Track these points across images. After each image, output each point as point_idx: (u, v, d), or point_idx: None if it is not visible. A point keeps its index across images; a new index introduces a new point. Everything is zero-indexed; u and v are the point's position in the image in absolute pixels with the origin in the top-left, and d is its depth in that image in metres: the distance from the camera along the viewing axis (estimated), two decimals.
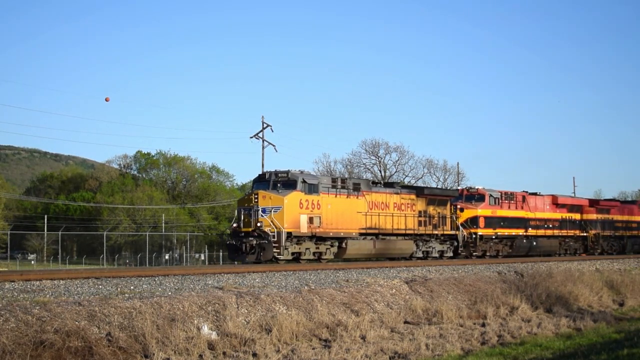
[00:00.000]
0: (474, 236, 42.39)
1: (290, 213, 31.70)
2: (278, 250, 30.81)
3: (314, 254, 33.16)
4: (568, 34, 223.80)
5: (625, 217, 56.76)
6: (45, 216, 71.36)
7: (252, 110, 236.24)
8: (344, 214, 34.33)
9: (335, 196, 34.08)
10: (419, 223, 39.17)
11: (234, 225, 32.39)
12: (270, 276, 24.14)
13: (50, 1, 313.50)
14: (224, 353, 16.36)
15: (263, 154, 63.55)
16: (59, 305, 15.86)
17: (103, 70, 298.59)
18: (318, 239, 33.24)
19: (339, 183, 34.75)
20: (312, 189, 32.87)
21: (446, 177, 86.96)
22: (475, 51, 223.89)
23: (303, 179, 32.58)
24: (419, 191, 40.33)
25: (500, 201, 44.40)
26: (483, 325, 22.26)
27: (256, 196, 31.83)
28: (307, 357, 16.39)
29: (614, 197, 70.51)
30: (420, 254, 38.91)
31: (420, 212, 39.40)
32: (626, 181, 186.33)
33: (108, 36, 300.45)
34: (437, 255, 40.02)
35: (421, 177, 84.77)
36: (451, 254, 41.12)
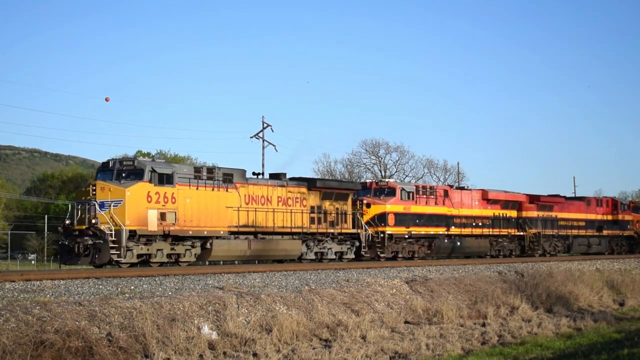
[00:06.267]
0: (382, 235, 37.63)
1: (134, 207, 27.11)
2: (118, 252, 26.41)
3: (169, 256, 28.63)
4: (568, 33, 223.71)
5: (572, 215, 52.07)
6: (46, 216, 71.23)
7: (252, 110, 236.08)
8: (208, 209, 29.65)
9: (197, 188, 29.31)
10: (311, 220, 34.42)
11: (67, 222, 27.63)
12: (270, 276, 24.17)
13: (50, 1, 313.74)
14: (225, 353, 16.38)
15: (263, 154, 63.51)
16: (59, 305, 15.87)
17: (103, 70, 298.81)
18: (175, 238, 28.68)
19: (204, 173, 30.02)
20: (164, 179, 28.21)
21: (446, 177, 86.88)
22: (475, 51, 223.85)
23: (152, 168, 28.03)
24: (310, 183, 35.24)
25: (415, 196, 39.87)
26: (483, 325, 22.28)
27: (94, 188, 27.28)
28: (308, 357, 16.41)
29: (613, 196, 68.14)
30: (311, 256, 34.26)
31: (312, 207, 34.64)
32: (627, 181, 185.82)
33: (108, 36, 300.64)
34: (334, 257, 35.32)
35: (421, 177, 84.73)
36: (352, 256, 36.36)
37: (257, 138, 64.14)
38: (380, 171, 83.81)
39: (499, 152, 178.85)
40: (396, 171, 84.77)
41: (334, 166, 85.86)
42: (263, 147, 63.59)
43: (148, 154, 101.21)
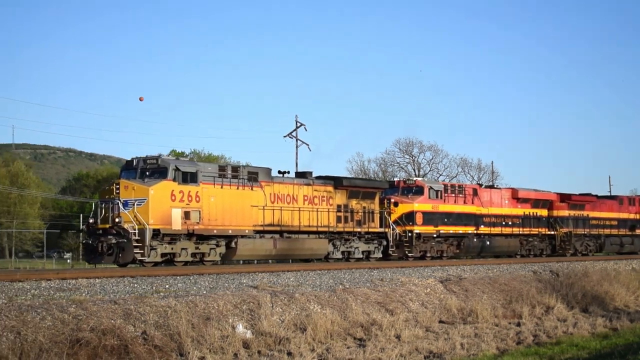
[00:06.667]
0: (409, 234, 36.99)
1: (158, 206, 26.76)
2: (142, 251, 26.14)
3: (193, 255, 28.25)
4: (600, 31, 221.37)
5: (603, 214, 51.11)
6: (81, 215, 71.95)
7: (286, 109, 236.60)
8: (233, 207, 29.17)
9: (222, 187, 28.91)
10: (338, 219, 33.90)
11: (91, 220, 27.36)
12: (304, 275, 24.17)
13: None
14: (259, 352, 16.40)
15: (297, 153, 63.51)
16: (95, 303, 16.00)
17: (137, 69, 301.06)
18: (199, 237, 28.25)
19: (229, 172, 29.56)
20: (188, 177, 27.85)
21: (480, 175, 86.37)
22: (509, 51, 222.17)
23: (176, 166, 27.68)
24: (337, 182, 34.68)
25: (443, 194, 39.38)
26: (518, 324, 22.14)
27: (117, 186, 26.98)
28: (342, 356, 16.39)
29: None
30: (338, 255, 33.73)
31: (339, 206, 34.17)
32: None
33: (142, 35, 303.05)
34: (361, 256, 34.82)
35: (455, 176, 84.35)
36: (379, 255, 35.83)
37: (290, 137, 64.20)
38: (414, 170, 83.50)
39: (534, 151, 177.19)
40: (430, 170, 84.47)
41: (368, 165, 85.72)
42: (297, 147, 63.59)
43: (182, 153, 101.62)
